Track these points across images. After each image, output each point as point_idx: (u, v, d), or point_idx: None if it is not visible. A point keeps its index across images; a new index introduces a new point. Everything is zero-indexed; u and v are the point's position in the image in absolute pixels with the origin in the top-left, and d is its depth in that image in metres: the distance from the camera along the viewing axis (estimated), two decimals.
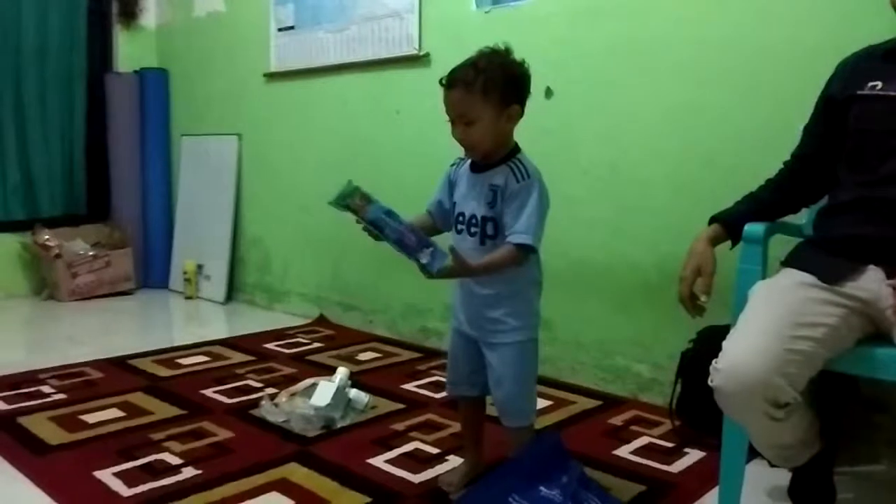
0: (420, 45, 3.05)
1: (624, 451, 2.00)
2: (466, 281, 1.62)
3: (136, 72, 4.28)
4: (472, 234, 1.59)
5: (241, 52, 3.89)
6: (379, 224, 1.42)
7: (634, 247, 2.43)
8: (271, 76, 3.73)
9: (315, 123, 3.56)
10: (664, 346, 2.37)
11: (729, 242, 1.69)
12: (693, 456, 1.99)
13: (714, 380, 1.39)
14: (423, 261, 1.42)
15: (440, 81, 1.54)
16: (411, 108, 3.13)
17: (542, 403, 2.34)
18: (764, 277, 1.58)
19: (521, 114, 1.58)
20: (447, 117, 1.55)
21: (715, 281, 1.61)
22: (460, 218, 1.63)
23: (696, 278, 1.64)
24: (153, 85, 4.28)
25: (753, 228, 1.61)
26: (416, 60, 3.07)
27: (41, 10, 3.93)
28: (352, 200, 1.41)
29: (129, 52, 4.35)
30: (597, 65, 2.51)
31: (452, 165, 1.71)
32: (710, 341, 2.09)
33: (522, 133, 2.69)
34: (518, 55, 2.68)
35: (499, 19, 2.78)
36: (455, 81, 1.51)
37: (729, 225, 1.67)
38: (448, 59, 2.93)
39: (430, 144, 3.06)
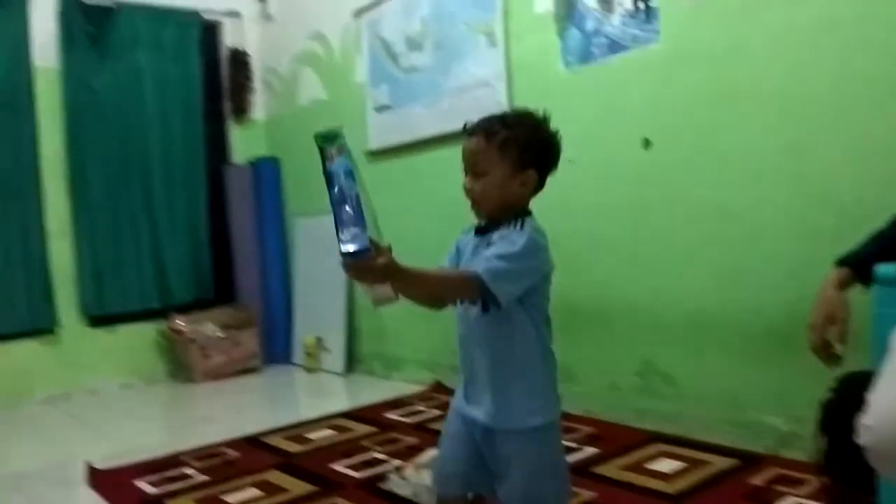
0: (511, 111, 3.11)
1: None
2: (469, 342, 1.42)
3: (250, 162, 4.59)
4: (473, 302, 1.38)
5: (344, 133, 4.08)
6: (332, 178, 1.22)
7: (755, 292, 2.33)
8: (372, 154, 3.90)
9: (416, 195, 3.67)
10: (801, 395, 2.22)
11: (859, 285, 1.59)
12: None
13: (863, 438, 1.30)
14: (342, 238, 1.20)
15: (463, 127, 1.44)
16: None
17: (674, 465, 2.27)
18: None
19: (540, 184, 1.43)
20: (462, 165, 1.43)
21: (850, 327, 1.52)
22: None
23: (827, 326, 1.56)
24: (266, 173, 4.57)
25: (887, 270, 1.52)
26: None
27: (163, 114, 4.31)
28: (329, 145, 1.22)
29: (243, 144, 4.69)
30: (696, 111, 2.48)
31: (462, 233, 1.55)
32: (852, 389, 1.96)
33: (623, 185, 2.70)
34: (610, 111, 2.73)
35: (588, 78, 2.80)
36: (477, 129, 1.41)
37: (857, 267, 1.58)
38: None
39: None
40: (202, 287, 4.45)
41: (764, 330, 2.32)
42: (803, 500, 1.96)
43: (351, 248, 1.20)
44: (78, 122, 4.05)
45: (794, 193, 2.24)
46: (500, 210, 1.41)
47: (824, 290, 1.60)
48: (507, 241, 1.35)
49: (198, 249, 4.43)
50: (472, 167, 1.41)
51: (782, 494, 2.01)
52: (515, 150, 1.38)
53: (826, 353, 1.55)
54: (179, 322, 4.17)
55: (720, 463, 2.27)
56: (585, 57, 2.80)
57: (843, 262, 1.63)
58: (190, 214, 4.41)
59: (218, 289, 4.51)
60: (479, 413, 1.37)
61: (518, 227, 1.38)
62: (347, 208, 1.22)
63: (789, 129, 2.25)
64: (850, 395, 1.96)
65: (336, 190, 1.23)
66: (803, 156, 2.21)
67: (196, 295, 4.41)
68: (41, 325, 3.92)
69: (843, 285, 1.59)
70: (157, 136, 4.29)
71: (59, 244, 4.00)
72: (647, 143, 2.60)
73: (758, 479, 2.12)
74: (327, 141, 1.22)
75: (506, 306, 1.32)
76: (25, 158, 3.90)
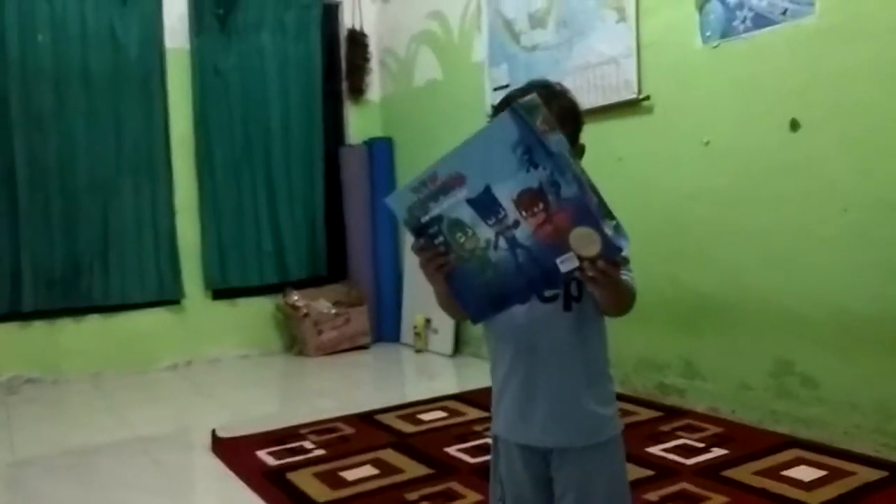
0: (640, 90, 2.97)
1: None
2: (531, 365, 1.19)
3: (365, 142, 4.64)
4: (546, 300, 1.16)
5: (458, 115, 4.05)
6: (561, 164, 0.96)
7: None
8: None
9: None
10: None
11: None
12: None
13: None
14: (609, 233, 0.99)
15: (493, 106, 1.25)
16: (633, 155, 3.04)
17: (814, 473, 2.12)
18: None
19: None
20: None
21: None
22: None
23: None
24: (380, 153, 4.60)
25: None
26: (636, 105, 2.98)
27: (284, 94, 4.41)
28: (532, 116, 0.95)
29: (358, 124, 4.73)
30: (852, 92, 2.26)
31: None
32: None
33: (764, 171, 2.51)
34: (754, 90, 2.54)
35: (729, 54, 2.62)
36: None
37: None
38: (672, 101, 2.85)
39: (654, 190, 2.94)
40: (317, 264, 4.54)
41: None
42: None
43: (623, 243, 1.02)
44: (205, 102, 4.20)
45: None
46: None
47: None
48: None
49: (314, 227, 4.53)
50: None
51: None
52: (572, 121, 1.19)
53: None
54: (295, 297, 4.28)
55: (866, 474, 2.09)
56: (727, 31, 2.61)
57: None
58: (307, 193, 4.50)
59: (331, 266, 4.59)
60: (546, 435, 1.18)
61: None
62: (589, 199, 0.99)
63: None
64: None
65: (569, 177, 0.97)
66: None
67: (311, 272, 4.51)
68: (168, 297, 4.13)
69: None
70: (278, 116, 4.40)
71: (185, 221, 4.18)
72: (795, 126, 2.40)
73: None
74: (530, 112, 0.95)
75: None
76: (157, 138, 4.09)
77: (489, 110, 3.80)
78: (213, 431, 2.66)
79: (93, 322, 3.95)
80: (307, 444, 2.59)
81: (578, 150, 1.20)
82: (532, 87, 1.18)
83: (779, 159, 2.48)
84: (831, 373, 2.35)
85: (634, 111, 3.00)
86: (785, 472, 2.13)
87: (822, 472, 2.11)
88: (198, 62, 4.17)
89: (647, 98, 2.94)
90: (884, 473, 2.09)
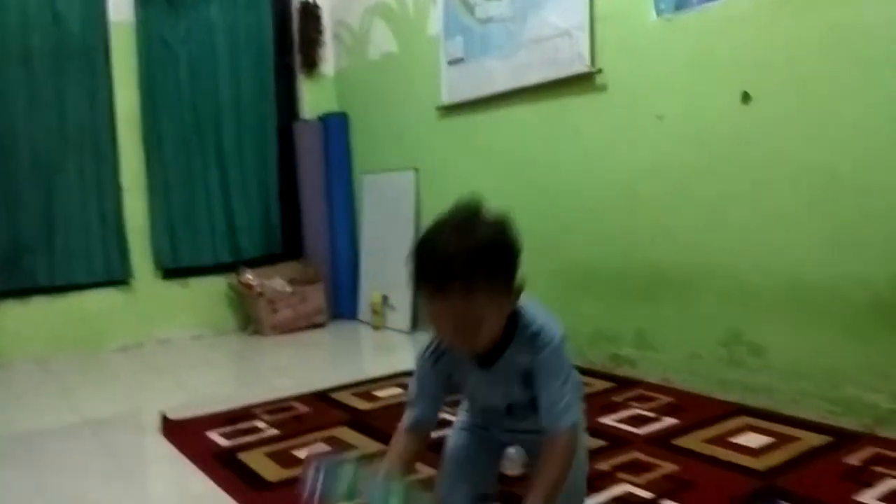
0: (593, 63, 2.95)
1: (869, 497, 1.75)
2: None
3: (319, 117, 4.55)
4: (521, 419, 1.30)
5: (414, 88, 4.00)
6: None
7: (862, 262, 2.16)
8: (444, 109, 3.80)
9: (489, 152, 3.56)
10: None
11: None
12: None
13: None
14: None
15: (416, 276, 1.11)
16: (588, 129, 3.03)
17: (762, 440, 2.15)
18: None
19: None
20: (435, 325, 1.18)
21: None
22: (490, 409, 1.33)
23: None
24: (335, 128, 4.52)
25: None
26: (591, 80, 2.97)
27: (234, 68, 4.29)
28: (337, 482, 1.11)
29: (312, 99, 4.64)
30: (805, 61, 2.27)
31: (432, 357, 1.28)
32: None
33: (717, 144, 2.52)
34: (707, 63, 2.54)
35: (683, 27, 2.62)
36: (447, 283, 1.07)
37: None
38: (626, 74, 2.84)
39: (609, 164, 2.95)
40: (271, 242, 4.47)
41: (869, 301, 2.15)
42: None
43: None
44: (152, 77, 4.06)
45: None
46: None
47: None
48: (553, 355, 1.21)
49: (267, 204, 4.44)
50: (463, 327, 1.12)
51: (881, 475, 1.87)
52: (502, 279, 1.12)
53: None
54: (249, 276, 4.21)
55: (812, 440, 2.13)
56: (680, 4, 2.60)
57: None
58: (260, 169, 4.41)
59: (286, 244, 4.52)
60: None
61: (542, 338, 1.21)
62: None
63: None
64: None
65: None
66: None
67: (265, 250, 4.44)
68: (116, 277, 4.01)
69: None
70: (229, 91, 4.28)
71: (133, 199, 4.06)
72: (746, 98, 2.42)
73: (854, 459, 1.98)
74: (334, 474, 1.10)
75: None
76: (101, 114, 3.94)
77: (445, 85, 3.76)
78: (162, 413, 2.60)
79: (38, 304, 3.83)
80: (260, 424, 2.54)
81: (515, 292, 1.15)
82: (442, 229, 1.11)
83: (731, 132, 2.50)
84: (779, 341, 2.39)
85: (589, 86, 2.99)
86: (733, 439, 2.17)
87: (769, 439, 2.15)
88: (144, 36, 4.03)
89: (600, 71, 2.93)
90: (829, 439, 2.14)
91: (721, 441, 2.16)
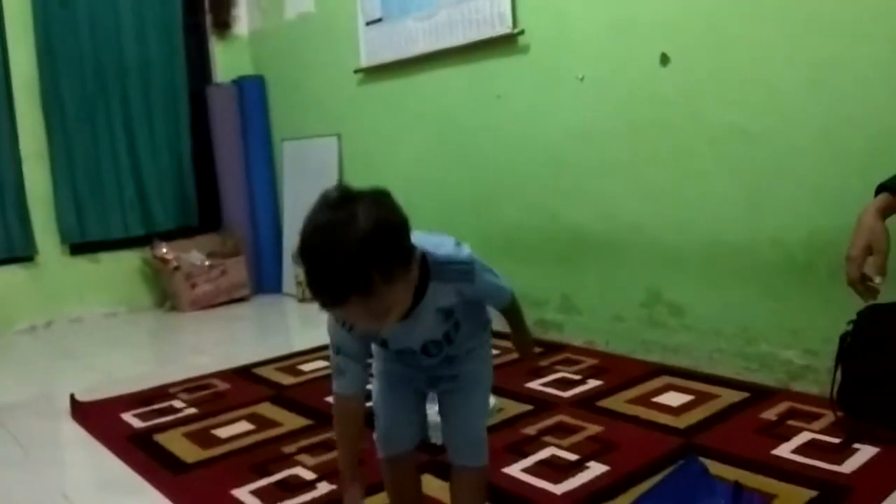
0: (514, 24, 2.90)
1: (784, 451, 1.81)
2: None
3: (233, 81, 4.35)
4: (432, 355, 1.30)
5: (332, 50, 3.86)
6: None
7: (776, 222, 2.21)
8: (364, 72, 3.68)
9: (411, 116, 3.48)
10: (816, 329, 2.15)
11: None
12: (865, 452, 1.77)
13: None
14: None
15: (312, 291, 1.04)
16: (511, 92, 2.99)
17: (682, 398, 2.20)
18: None
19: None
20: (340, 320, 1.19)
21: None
22: (405, 351, 1.31)
23: (866, 257, 1.44)
24: (251, 92, 4.33)
25: None
26: (512, 41, 2.92)
27: (139, 29, 4.04)
28: None
29: (226, 61, 4.43)
30: (720, 23, 2.28)
31: (347, 325, 1.23)
32: (875, 323, 1.87)
33: (637, 105, 2.53)
34: (626, 25, 2.53)
35: None
36: (346, 296, 1.01)
37: None
38: (547, 36, 2.81)
39: (533, 126, 2.92)
40: (186, 214, 4.28)
41: (782, 260, 2.21)
42: (818, 435, 1.89)
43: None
44: (50, 36, 3.78)
45: (821, 115, 2.09)
46: None
47: (863, 218, 1.48)
48: (480, 281, 1.25)
49: (181, 173, 4.24)
50: (374, 317, 1.07)
51: (796, 429, 1.94)
52: (398, 259, 1.05)
53: (863, 285, 1.44)
54: (163, 249, 4.02)
55: (730, 396, 2.20)
56: None
57: (884, 187, 1.50)
58: (171, 136, 4.19)
59: (203, 215, 4.34)
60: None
61: (460, 275, 1.20)
62: None
63: (818, 43, 2.07)
64: (871, 328, 1.88)
65: None
66: (837, 75, 2.05)
67: (180, 222, 4.25)
68: (18, 253, 3.76)
69: (884, 213, 1.48)
70: (135, 52, 4.04)
71: (34, 168, 3.80)
72: (665, 60, 2.42)
73: (770, 413, 2.05)
74: None
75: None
76: None
77: (364, 47, 3.64)
78: (72, 395, 2.46)
79: None
80: (177, 404, 2.44)
81: (413, 258, 1.08)
82: (320, 236, 1.02)
83: (650, 93, 2.50)
84: (697, 300, 2.44)
85: (511, 47, 2.94)
86: (655, 399, 2.21)
87: (689, 397, 2.20)
88: None
89: (522, 32, 2.88)
90: (745, 394, 2.20)
91: (643, 401, 2.20)
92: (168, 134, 4.18)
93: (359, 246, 0.99)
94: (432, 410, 1.97)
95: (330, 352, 1.28)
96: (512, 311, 1.41)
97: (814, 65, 2.09)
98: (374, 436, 1.42)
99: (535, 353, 1.60)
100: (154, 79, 4.11)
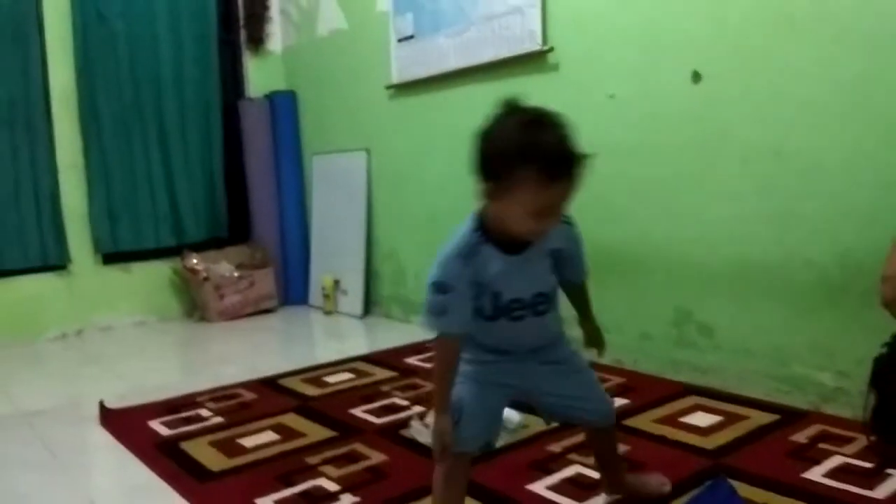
0: (544, 41, 2.91)
1: (815, 474, 1.77)
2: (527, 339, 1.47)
3: (266, 96, 4.42)
4: (539, 314, 1.42)
5: (364, 66, 3.91)
6: None
7: (809, 241, 2.17)
8: (395, 88, 3.72)
9: (440, 132, 3.50)
10: (850, 351, 2.10)
11: None
12: None
13: None
14: None
15: (552, 167, 1.21)
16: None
17: (711, 419, 2.17)
18: None
19: None
20: (537, 212, 1.26)
21: None
22: (516, 305, 1.39)
23: None
24: (283, 107, 4.40)
25: None
26: (541, 58, 2.93)
27: (176, 44, 4.13)
28: None
29: (259, 77, 4.50)
30: (750, 40, 2.27)
31: (462, 257, 1.33)
32: None
33: (668, 123, 2.51)
34: (658, 41, 2.52)
35: (634, 4, 2.59)
36: (572, 169, 1.22)
37: None
38: (577, 53, 2.81)
39: None
40: (217, 225, 4.34)
41: (815, 280, 2.18)
42: (850, 459, 1.85)
43: None
44: (88, 51, 3.88)
45: (857, 133, 2.06)
46: None
47: None
48: (578, 234, 1.45)
49: (212, 186, 4.31)
50: (560, 208, 1.30)
51: (828, 452, 1.89)
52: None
53: None
54: (194, 260, 4.08)
55: (760, 418, 2.16)
56: None
57: None
58: (204, 149, 4.27)
59: (233, 227, 4.40)
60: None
61: (564, 224, 1.40)
62: None
63: (851, 60, 2.05)
64: None
65: None
66: (870, 91, 2.02)
67: (210, 233, 4.31)
68: (53, 262, 3.84)
69: None
70: (170, 67, 4.12)
71: (70, 179, 3.89)
72: (696, 77, 2.41)
73: (801, 436, 2.01)
74: None
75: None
76: (34, 90, 3.75)
77: (395, 64, 3.68)
78: (101, 402, 2.50)
79: None
80: (204, 413, 2.46)
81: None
82: (543, 122, 1.25)
83: (681, 111, 2.49)
84: (727, 321, 2.41)
85: (541, 64, 2.95)
86: (683, 419, 2.18)
87: (718, 418, 2.16)
88: (79, 7, 3.84)
89: (552, 49, 2.89)
90: (776, 416, 2.16)
91: (671, 421, 2.17)
92: (201, 147, 4.26)
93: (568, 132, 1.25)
94: (504, 412, 2.02)
95: (430, 293, 1.32)
96: (585, 292, 1.55)
97: (846, 82, 2.06)
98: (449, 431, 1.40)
99: (605, 344, 1.63)
100: (188, 93, 4.19)
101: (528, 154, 1.20)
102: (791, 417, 2.15)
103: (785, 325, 2.26)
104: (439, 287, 1.31)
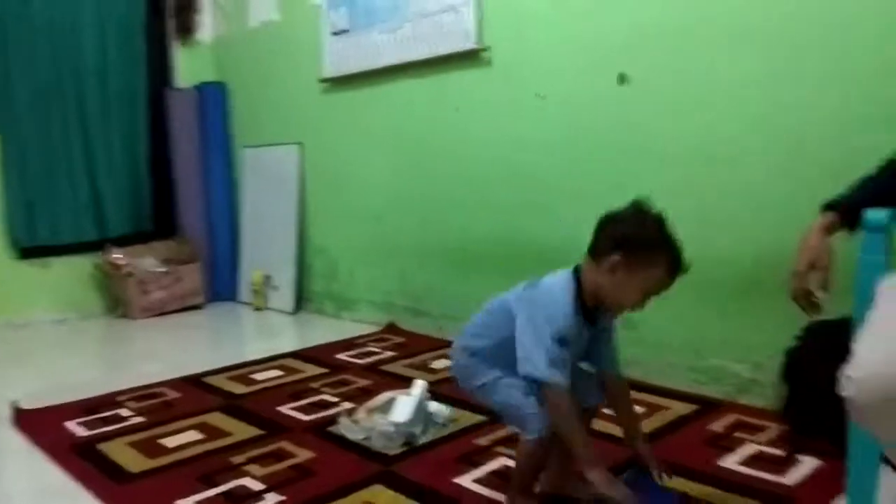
0: (480, 40, 2.93)
1: (731, 462, 1.85)
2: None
3: (195, 87, 4.30)
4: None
5: (297, 59, 3.85)
6: None
7: (726, 238, 2.26)
8: (328, 82, 3.68)
9: (374, 128, 3.48)
10: (764, 343, 2.19)
11: (845, 231, 1.52)
12: (808, 465, 1.82)
13: (847, 389, 1.23)
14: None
15: (677, 263, 1.51)
16: (471, 105, 3.02)
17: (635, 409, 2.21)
18: (889, 268, 1.41)
19: None
20: (646, 292, 1.50)
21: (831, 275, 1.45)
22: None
23: (810, 273, 1.48)
24: (212, 98, 4.29)
25: (876, 215, 1.43)
26: (475, 56, 2.95)
27: (100, 31, 3.98)
28: None
29: (188, 67, 4.38)
30: (674, 45, 2.34)
31: (574, 317, 1.51)
32: (820, 338, 1.91)
33: (595, 123, 2.56)
34: (588, 42, 2.57)
35: (565, 6, 2.63)
36: (684, 271, 1.53)
37: (846, 212, 1.50)
38: (510, 52, 2.84)
39: (491, 141, 2.95)
40: (141, 219, 4.20)
41: (732, 276, 2.26)
42: (763, 447, 1.93)
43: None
44: (4, 35, 3.69)
45: (771, 136, 2.15)
46: None
47: (809, 235, 1.52)
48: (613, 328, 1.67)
49: (137, 178, 4.17)
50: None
51: (742, 441, 1.98)
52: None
53: (807, 300, 1.48)
54: (116, 255, 3.94)
55: (680, 408, 2.23)
56: None
57: (829, 206, 1.54)
58: (128, 140, 4.12)
59: (158, 221, 4.27)
60: None
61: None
62: None
63: (769, 63, 2.14)
64: (816, 343, 1.92)
65: None
66: (784, 93, 2.11)
67: (134, 227, 4.17)
68: None
69: (829, 231, 1.51)
70: (94, 54, 3.97)
71: None
72: (622, 79, 2.46)
73: (718, 426, 2.09)
74: None
75: None
76: None
77: (329, 57, 3.63)
78: (13, 403, 2.38)
79: None
80: (124, 412, 2.38)
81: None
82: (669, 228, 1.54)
83: (607, 112, 2.55)
84: (649, 315, 2.44)
85: (475, 62, 2.97)
86: (606, 410, 2.22)
87: (640, 409, 2.22)
88: None
89: (487, 49, 2.91)
90: (695, 407, 2.24)
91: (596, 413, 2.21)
92: (125, 137, 4.11)
93: (623, 222, 1.55)
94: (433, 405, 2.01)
95: (551, 346, 1.45)
96: (626, 390, 1.77)
97: (761, 82, 2.15)
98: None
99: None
100: (112, 81, 4.04)
101: (666, 247, 1.48)
102: (709, 407, 2.23)
103: (704, 319, 2.34)
104: (562, 342, 1.46)
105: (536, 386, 1.48)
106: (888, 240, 1.44)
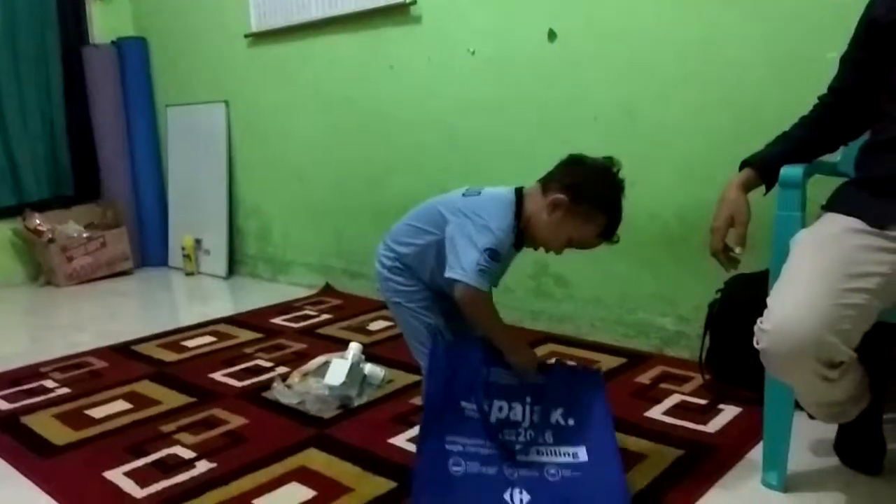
0: None
1: (657, 413, 1.92)
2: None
3: (113, 43, 4.08)
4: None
5: (220, 13, 3.69)
6: None
7: (652, 196, 2.30)
8: (254, 37, 3.55)
9: (303, 85, 3.39)
10: (688, 297, 2.27)
11: (763, 188, 1.56)
12: (729, 412, 1.90)
13: (760, 341, 1.29)
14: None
15: (613, 228, 1.57)
16: (404, 63, 2.96)
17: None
18: (804, 223, 1.46)
19: None
20: (572, 242, 1.56)
21: (749, 230, 1.49)
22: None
23: (728, 228, 1.53)
24: (132, 55, 4.09)
25: (791, 171, 1.49)
26: (405, 10, 2.89)
27: None
28: None
29: (105, 22, 4.15)
30: (605, 2, 2.33)
31: (510, 235, 1.53)
32: (739, 291, 2.00)
33: (525, 80, 2.56)
34: None
35: None
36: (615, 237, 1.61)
37: (762, 168, 1.55)
38: (439, 8, 2.79)
39: (426, 99, 2.91)
40: (61, 182, 4.02)
41: (657, 233, 2.32)
42: (686, 397, 2.01)
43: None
44: None
45: (696, 97, 2.19)
46: None
47: (727, 191, 1.56)
48: None
49: (53, 140, 3.97)
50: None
51: (668, 391, 2.05)
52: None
53: (725, 255, 1.53)
54: (36, 221, 3.77)
55: (609, 362, 2.30)
56: None
57: (747, 163, 1.59)
58: (42, 100, 3.91)
59: (80, 185, 4.09)
60: None
61: None
62: None
63: (696, 25, 2.16)
64: (737, 296, 2.00)
65: None
66: (709, 53, 2.14)
67: (54, 191, 3.99)
68: None
69: (746, 187, 1.56)
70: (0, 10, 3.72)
71: None
72: (552, 36, 2.45)
73: (644, 377, 2.16)
74: None
75: None
76: None
77: (254, 11, 3.50)
78: None
79: None
80: (49, 384, 2.30)
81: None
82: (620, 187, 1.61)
83: (538, 69, 2.54)
84: (580, 273, 2.53)
85: (405, 17, 2.91)
86: None
87: (572, 363, 2.27)
88: None
89: (415, 2, 2.85)
90: (623, 360, 2.31)
91: None
92: (39, 98, 3.89)
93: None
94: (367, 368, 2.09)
95: (482, 255, 1.45)
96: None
97: (688, 43, 2.18)
98: None
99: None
100: (22, 39, 3.80)
101: (611, 212, 1.53)
102: (636, 360, 2.30)
103: (631, 275, 2.40)
104: (494, 255, 1.46)
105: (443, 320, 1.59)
106: (803, 195, 1.49)
